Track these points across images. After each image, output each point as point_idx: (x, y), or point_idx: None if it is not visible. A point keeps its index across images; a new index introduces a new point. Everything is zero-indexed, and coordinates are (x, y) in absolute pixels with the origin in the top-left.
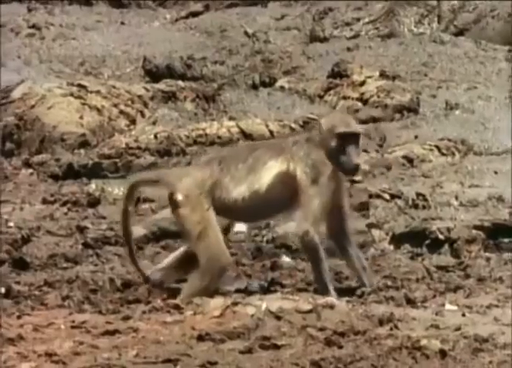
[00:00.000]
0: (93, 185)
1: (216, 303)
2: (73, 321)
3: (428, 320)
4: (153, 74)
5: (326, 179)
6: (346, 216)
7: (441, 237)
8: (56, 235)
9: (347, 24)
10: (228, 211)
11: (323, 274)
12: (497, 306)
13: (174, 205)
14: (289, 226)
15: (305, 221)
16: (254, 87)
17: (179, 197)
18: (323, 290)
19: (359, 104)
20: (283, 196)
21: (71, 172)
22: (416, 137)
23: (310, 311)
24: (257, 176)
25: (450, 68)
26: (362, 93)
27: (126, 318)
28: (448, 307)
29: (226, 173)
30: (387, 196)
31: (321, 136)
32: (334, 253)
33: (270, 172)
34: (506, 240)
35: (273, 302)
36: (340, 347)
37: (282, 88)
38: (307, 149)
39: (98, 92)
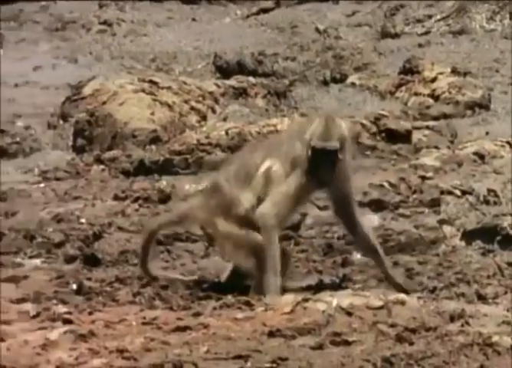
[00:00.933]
0: (164, 182)
1: (287, 299)
2: (145, 317)
3: (500, 316)
4: (224, 70)
5: (301, 175)
6: (353, 202)
7: None
8: (127, 232)
9: (418, 20)
10: (250, 222)
11: (270, 262)
12: None
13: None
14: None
15: (266, 207)
16: (325, 83)
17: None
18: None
19: (431, 101)
20: None
21: (142, 169)
22: (487, 133)
23: (380, 307)
24: (255, 181)
25: None
26: (434, 90)
27: (197, 314)
28: None
29: (235, 187)
30: (458, 192)
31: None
32: (404, 249)
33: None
34: None
35: (344, 298)
36: (411, 344)
37: (353, 84)
38: (293, 146)
39: (169, 88)
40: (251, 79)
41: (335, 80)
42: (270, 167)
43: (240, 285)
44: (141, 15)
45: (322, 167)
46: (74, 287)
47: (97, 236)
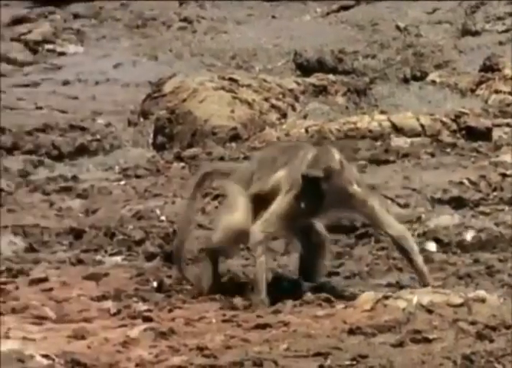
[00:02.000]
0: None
1: (367, 296)
2: (225, 315)
3: None
4: (304, 68)
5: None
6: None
7: None
8: (207, 229)
9: (499, 18)
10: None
11: (256, 276)
12: None
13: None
14: (441, 219)
15: (257, 225)
16: (406, 80)
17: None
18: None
19: (511, 98)
20: None
21: None
22: None
23: (461, 305)
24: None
25: None
26: None
27: (277, 312)
28: None
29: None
30: None
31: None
32: (484, 247)
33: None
34: None
35: (424, 296)
36: (491, 341)
37: (433, 82)
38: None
39: (249, 86)
40: (331, 77)
41: (415, 78)
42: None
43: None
44: (221, 12)
45: (308, 195)
46: (155, 284)
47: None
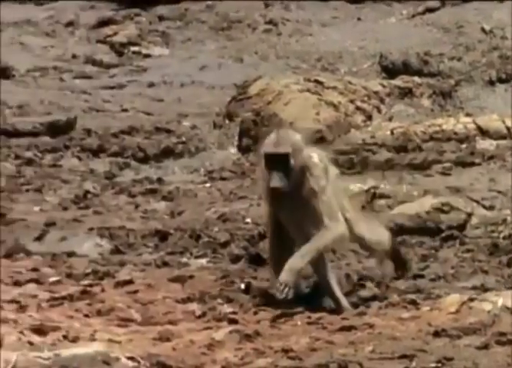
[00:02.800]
0: None
1: (452, 299)
2: (310, 317)
3: None
4: (390, 70)
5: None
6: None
7: None
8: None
9: None
10: None
11: None
12: None
13: None
14: None
15: None
16: (491, 83)
17: None
18: None
19: None
20: None
21: None
22: None
23: None
24: None
25: None
26: None
27: (362, 314)
28: None
29: None
30: None
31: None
32: None
33: None
34: None
35: (509, 298)
36: None
37: None
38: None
39: (334, 88)
40: (417, 79)
41: (501, 80)
42: None
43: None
44: (306, 14)
45: (271, 175)
46: (242, 286)
47: (262, 236)
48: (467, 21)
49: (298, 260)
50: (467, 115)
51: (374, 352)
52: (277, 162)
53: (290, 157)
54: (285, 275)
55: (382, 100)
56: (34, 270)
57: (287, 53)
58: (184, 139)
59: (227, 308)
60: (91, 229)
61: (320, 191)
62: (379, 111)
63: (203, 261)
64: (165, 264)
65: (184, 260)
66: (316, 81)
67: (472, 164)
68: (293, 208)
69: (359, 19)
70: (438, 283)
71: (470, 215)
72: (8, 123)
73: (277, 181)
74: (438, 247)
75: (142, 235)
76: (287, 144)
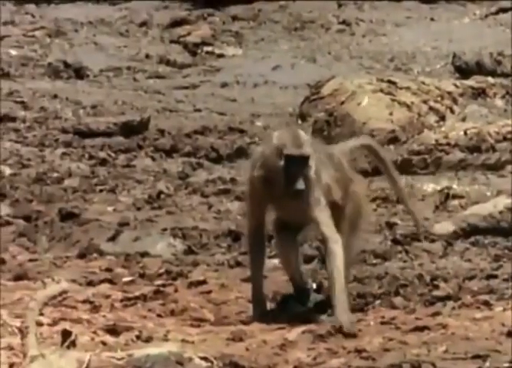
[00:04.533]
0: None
1: None
2: (383, 317)
3: None
4: (463, 70)
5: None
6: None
7: None
8: (366, 232)
9: None
10: None
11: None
12: None
13: None
14: None
15: None
16: None
17: None
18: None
19: None
20: None
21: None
22: None
23: None
24: None
25: None
26: None
27: (436, 314)
28: None
29: None
30: None
31: (270, 151)
32: None
33: None
34: None
35: None
36: None
37: None
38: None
39: (408, 88)
40: (490, 79)
41: None
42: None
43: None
44: (380, 15)
45: (293, 177)
46: (314, 286)
47: None
48: None
49: (342, 297)
50: None
51: (447, 352)
52: (298, 163)
53: (310, 159)
54: (345, 318)
55: (455, 101)
56: (108, 270)
57: (361, 53)
58: (257, 139)
59: (300, 308)
60: (164, 229)
61: (315, 203)
62: (452, 111)
63: (276, 261)
64: (239, 264)
65: None
66: (390, 81)
67: None
68: (294, 209)
69: (432, 19)
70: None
71: None
72: (82, 124)
73: (301, 184)
74: (511, 247)
75: (215, 236)
76: (307, 145)
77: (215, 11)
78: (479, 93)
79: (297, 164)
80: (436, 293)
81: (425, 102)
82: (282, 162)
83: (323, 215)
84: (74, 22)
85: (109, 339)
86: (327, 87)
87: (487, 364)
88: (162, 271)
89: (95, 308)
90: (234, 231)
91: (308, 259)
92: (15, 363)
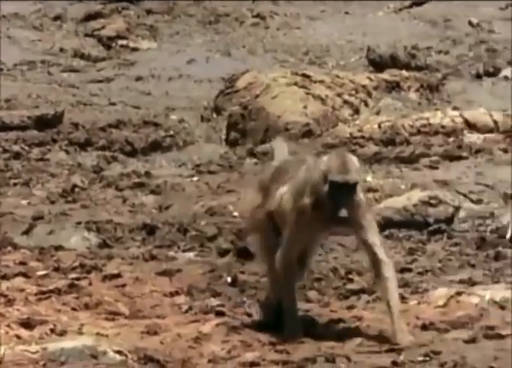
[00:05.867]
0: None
1: (440, 292)
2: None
3: None
4: (377, 64)
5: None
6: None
7: None
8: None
9: None
10: None
11: (286, 303)
12: None
13: None
14: None
15: (279, 251)
16: (478, 76)
17: None
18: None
19: None
20: None
21: None
22: None
23: None
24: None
25: None
26: None
27: (350, 308)
28: None
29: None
30: None
31: (317, 176)
32: None
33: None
34: None
35: (497, 292)
36: None
37: (506, 78)
38: (304, 183)
39: (322, 81)
40: (404, 72)
41: (488, 74)
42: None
43: None
44: (294, 8)
45: (338, 203)
46: (229, 280)
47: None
48: (454, 15)
49: (400, 319)
50: (455, 109)
51: (362, 345)
52: (343, 190)
53: (358, 185)
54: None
55: (369, 94)
56: (22, 263)
57: (275, 46)
58: (172, 132)
59: (214, 301)
60: (79, 223)
61: (367, 225)
62: (367, 105)
63: (191, 254)
64: (153, 257)
65: (171, 253)
66: (304, 75)
67: (459, 158)
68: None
69: (346, 13)
70: (426, 276)
71: (457, 208)
72: None
73: (344, 211)
74: (425, 240)
75: (129, 229)
76: (354, 171)
77: (130, 5)
78: (393, 87)
79: (342, 190)
80: (351, 286)
81: (339, 95)
82: (327, 188)
83: (376, 239)
84: None
85: (23, 332)
86: (242, 80)
87: (402, 357)
88: (76, 264)
89: (9, 302)
90: (149, 224)
91: (223, 252)
92: None
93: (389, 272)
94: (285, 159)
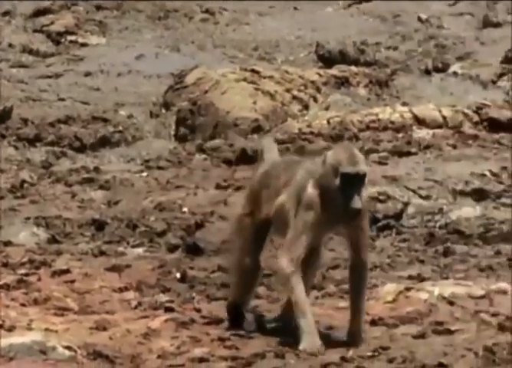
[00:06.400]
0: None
1: (389, 288)
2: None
3: None
4: (326, 59)
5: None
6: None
7: None
8: (229, 220)
9: None
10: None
11: (298, 307)
12: None
13: None
14: (463, 211)
15: (282, 254)
16: (427, 72)
17: None
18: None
19: None
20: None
21: (245, 158)
22: None
23: (482, 297)
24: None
25: None
26: None
27: None
28: None
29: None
30: None
31: (325, 170)
32: (506, 238)
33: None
34: None
35: (445, 287)
36: None
37: (455, 74)
38: (305, 179)
39: (271, 77)
40: (353, 68)
41: (437, 70)
42: (284, 202)
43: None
44: (243, 4)
45: (352, 196)
46: (178, 275)
47: (199, 225)
48: (403, 10)
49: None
50: (404, 104)
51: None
52: (355, 182)
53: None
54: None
55: (318, 90)
56: None
57: (224, 42)
58: (121, 128)
59: (163, 297)
60: (28, 218)
61: (367, 226)
62: (316, 100)
63: (140, 250)
64: (102, 253)
65: (121, 249)
66: (253, 70)
67: (408, 153)
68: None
69: (295, 9)
70: (375, 272)
71: (406, 204)
72: None
73: (358, 202)
74: (374, 236)
75: (78, 225)
76: (362, 162)
77: (79, 1)
78: (342, 82)
79: (354, 182)
80: None
81: (288, 91)
82: (338, 181)
83: (367, 241)
84: None
85: None
86: (191, 76)
87: (351, 353)
88: (25, 260)
89: None
90: (98, 220)
91: (172, 248)
92: None
93: (366, 276)
94: (274, 162)
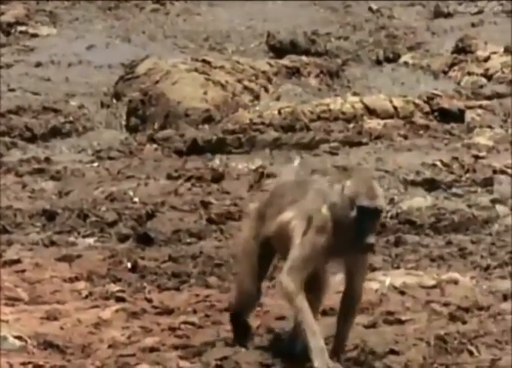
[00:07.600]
0: (217, 161)
1: (341, 278)
2: (198, 295)
3: None
4: (277, 50)
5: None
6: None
7: None
8: (180, 211)
9: (472, 0)
10: None
11: (305, 327)
12: None
13: None
14: (414, 201)
15: (284, 275)
16: (378, 62)
17: None
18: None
19: (484, 80)
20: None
21: (195, 148)
22: None
23: (434, 286)
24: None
25: None
26: (487, 69)
27: None
28: None
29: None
30: (511, 172)
31: (342, 199)
32: (457, 228)
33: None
34: None
35: (397, 277)
36: (464, 322)
37: (406, 64)
38: (317, 202)
39: (222, 67)
40: (304, 58)
41: (388, 60)
42: (290, 220)
43: None
44: None
45: (366, 230)
46: (129, 265)
47: (150, 215)
48: (354, 1)
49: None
50: (355, 94)
51: (260, 327)
52: (371, 216)
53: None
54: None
55: (269, 80)
56: None
57: (175, 32)
58: (71, 118)
59: (114, 287)
60: None
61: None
62: (267, 91)
63: (91, 240)
64: (53, 243)
65: (71, 239)
66: (204, 61)
67: (359, 143)
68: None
69: None
70: None
71: None
72: None
73: (371, 237)
74: None
75: (29, 215)
76: (381, 197)
77: None
78: (293, 73)
79: (370, 216)
80: None
81: (239, 81)
82: (354, 213)
83: (365, 275)
84: None
85: None
86: (142, 66)
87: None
88: None
89: None
90: (49, 210)
91: (123, 238)
92: None
93: (356, 307)
94: (279, 182)
